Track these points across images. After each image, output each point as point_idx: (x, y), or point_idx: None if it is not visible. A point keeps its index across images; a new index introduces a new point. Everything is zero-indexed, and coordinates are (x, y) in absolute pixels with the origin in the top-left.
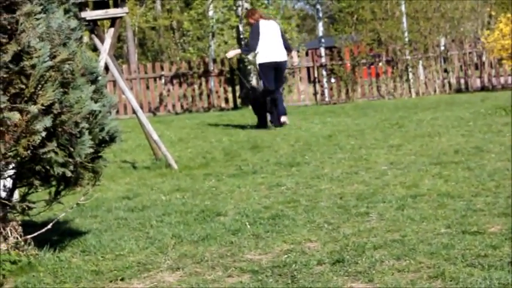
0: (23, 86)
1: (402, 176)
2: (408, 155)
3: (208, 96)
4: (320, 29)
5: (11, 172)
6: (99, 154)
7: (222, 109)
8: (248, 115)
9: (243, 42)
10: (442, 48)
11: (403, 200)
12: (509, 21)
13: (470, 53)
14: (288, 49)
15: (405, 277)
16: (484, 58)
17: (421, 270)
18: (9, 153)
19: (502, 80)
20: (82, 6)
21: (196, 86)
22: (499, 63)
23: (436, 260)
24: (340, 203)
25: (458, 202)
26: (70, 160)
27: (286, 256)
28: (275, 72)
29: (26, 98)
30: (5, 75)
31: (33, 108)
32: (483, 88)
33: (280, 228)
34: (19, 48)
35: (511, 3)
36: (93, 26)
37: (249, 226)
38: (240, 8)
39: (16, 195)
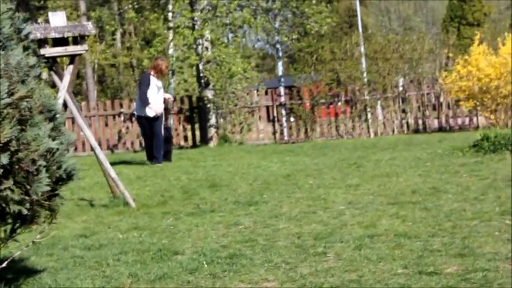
0: None
1: (360, 215)
2: (366, 194)
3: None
4: (280, 68)
5: None
6: (56, 192)
7: (181, 147)
8: (206, 154)
9: (202, 81)
10: (401, 88)
11: (360, 239)
12: (466, 63)
13: (428, 93)
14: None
15: None
16: (441, 99)
17: None
18: None
19: (459, 120)
20: (41, 43)
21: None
22: (456, 105)
23: None
24: (298, 242)
25: (415, 242)
26: (26, 198)
27: None
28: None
29: None
30: None
31: None
32: (441, 129)
33: (238, 268)
34: None
35: (468, 45)
36: (52, 63)
37: (206, 265)
38: (200, 47)
39: None
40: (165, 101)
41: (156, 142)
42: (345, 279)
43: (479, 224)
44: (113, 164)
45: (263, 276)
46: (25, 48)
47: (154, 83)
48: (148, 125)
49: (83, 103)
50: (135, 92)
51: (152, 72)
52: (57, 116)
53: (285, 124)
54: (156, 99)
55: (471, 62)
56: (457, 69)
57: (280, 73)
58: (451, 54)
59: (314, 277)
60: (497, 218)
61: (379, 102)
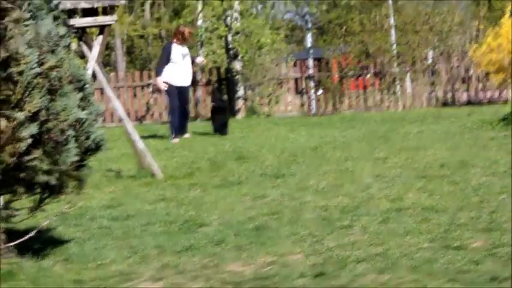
0: (10, 93)
1: (387, 189)
2: (394, 168)
3: (195, 105)
4: (308, 40)
5: None
6: (84, 162)
7: (208, 119)
8: (234, 126)
9: (231, 52)
10: (430, 61)
11: (387, 213)
12: (497, 36)
13: (458, 66)
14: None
15: None
16: (471, 72)
17: (402, 285)
18: None
19: (488, 94)
20: (71, 14)
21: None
22: (486, 78)
23: (418, 274)
24: (324, 215)
25: (442, 216)
26: (55, 168)
27: (268, 268)
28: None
29: (12, 105)
30: None
31: (20, 115)
32: (470, 102)
33: (264, 240)
34: (7, 54)
35: (498, 17)
36: (82, 34)
37: (232, 237)
38: (229, 18)
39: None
40: (197, 64)
41: (171, 114)
42: (371, 252)
43: (507, 198)
44: (140, 135)
45: (289, 249)
46: (55, 18)
47: (178, 51)
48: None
49: (112, 74)
50: None
51: (174, 40)
52: (87, 86)
53: (313, 96)
54: (183, 68)
55: (502, 34)
56: (488, 42)
57: (309, 45)
58: (481, 27)
59: (340, 250)
60: None
61: (408, 74)
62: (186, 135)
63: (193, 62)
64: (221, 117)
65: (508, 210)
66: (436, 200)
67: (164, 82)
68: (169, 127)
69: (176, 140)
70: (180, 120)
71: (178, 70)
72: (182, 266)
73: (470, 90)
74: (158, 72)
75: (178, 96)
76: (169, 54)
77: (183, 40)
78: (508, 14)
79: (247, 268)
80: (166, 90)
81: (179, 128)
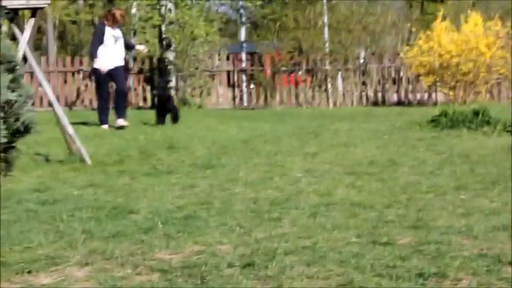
0: None
1: (316, 183)
2: (323, 163)
3: (127, 94)
4: (242, 34)
5: None
6: (13, 144)
7: (139, 107)
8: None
9: (164, 42)
10: (362, 60)
11: (315, 207)
12: (428, 39)
13: (389, 67)
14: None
15: (314, 284)
16: (402, 73)
17: (330, 278)
18: None
19: (418, 96)
20: None
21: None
22: (416, 79)
23: (346, 268)
24: (254, 207)
25: (370, 212)
26: None
27: (196, 257)
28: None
29: None
30: None
31: None
32: (399, 103)
33: (192, 229)
34: None
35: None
36: (14, 16)
37: (160, 225)
38: (163, 8)
39: None
40: (138, 51)
41: (98, 99)
42: (299, 245)
43: (434, 198)
44: (70, 121)
45: (217, 239)
46: None
47: (110, 33)
48: (104, 80)
49: (43, 58)
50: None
51: (106, 23)
52: (17, 68)
53: (245, 90)
54: (114, 51)
55: (433, 37)
56: (419, 44)
57: (242, 39)
58: (413, 29)
59: (268, 242)
60: (452, 192)
61: (339, 73)
62: (123, 123)
63: (132, 47)
64: (168, 105)
65: (435, 209)
66: (365, 197)
67: (94, 68)
68: (97, 113)
69: (106, 127)
70: (117, 102)
71: (110, 53)
72: (110, 252)
73: (400, 91)
74: (93, 54)
75: (113, 78)
76: (102, 35)
77: (114, 22)
78: (439, 18)
79: (175, 256)
80: (95, 75)
81: (118, 112)
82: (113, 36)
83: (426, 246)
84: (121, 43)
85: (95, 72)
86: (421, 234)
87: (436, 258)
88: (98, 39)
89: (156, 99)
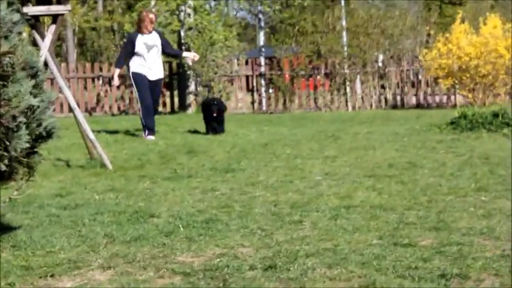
0: None
1: (336, 186)
2: (343, 166)
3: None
4: (261, 38)
5: None
6: (35, 149)
7: (159, 113)
8: (185, 119)
9: (183, 48)
10: (380, 64)
11: (336, 210)
12: (447, 41)
13: (407, 70)
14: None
15: (336, 285)
16: (420, 76)
17: (352, 280)
18: None
19: (437, 98)
20: (24, 1)
21: (134, 89)
22: (435, 82)
23: (368, 270)
24: (274, 210)
25: (390, 215)
26: (5, 154)
27: (218, 260)
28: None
29: None
30: None
31: None
32: (418, 106)
33: (214, 233)
34: None
35: (449, 23)
36: (35, 22)
37: (182, 229)
38: (182, 13)
39: None
40: (186, 59)
41: (142, 109)
42: (320, 247)
43: (454, 199)
44: (90, 127)
45: (238, 242)
46: (9, 4)
47: (142, 41)
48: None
49: (63, 65)
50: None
51: (139, 30)
52: (39, 73)
53: (263, 94)
54: (149, 60)
55: (452, 40)
56: (438, 47)
57: (261, 43)
58: (432, 32)
59: (289, 244)
60: (472, 194)
61: (358, 76)
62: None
63: (176, 55)
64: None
65: (456, 211)
66: (385, 199)
67: (133, 72)
68: (141, 123)
69: (151, 137)
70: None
71: (145, 63)
72: (132, 255)
73: (419, 94)
74: (115, 64)
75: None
76: (131, 44)
77: (144, 28)
78: (458, 21)
79: (196, 259)
80: (135, 82)
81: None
82: (144, 45)
83: (448, 248)
84: (156, 51)
85: (136, 80)
86: (442, 236)
87: (458, 259)
88: (125, 48)
89: (201, 107)
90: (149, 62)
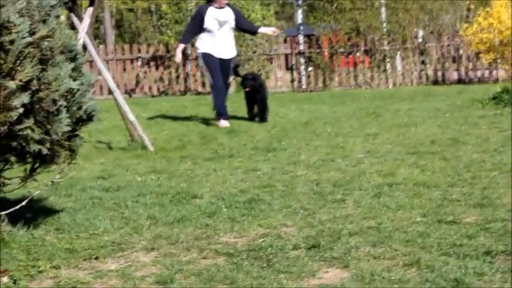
0: (1, 61)
1: (378, 164)
2: (385, 144)
3: (185, 79)
4: (299, 16)
5: None
6: (76, 132)
7: (198, 93)
8: None
9: None
10: (420, 39)
11: (379, 188)
12: (488, 15)
13: (448, 45)
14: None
15: (380, 264)
16: (461, 51)
17: (396, 258)
18: None
19: (478, 73)
20: None
21: (173, 69)
22: (476, 57)
23: (412, 248)
24: (316, 189)
25: (434, 192)
26: (47, 137)
27: (261, 240)
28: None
29: (4, 74)
30: None
31: (11, 84)
32: (460, 81)
33: (256, 213)
34: None
35: None
36: (72, 5)
37: (224, 209)
38: None
39: None
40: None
41: (214, 94)
42: (364, 225)
43: (498, 175)
44: (130, 108)
45: (281, 221)
46: None
47: (213, 15)
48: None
49: (101, 47)
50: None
51: (209, 2)
52: (78, 56)
53: (303, 72)
54: (220, 37)
55: (492, 14)
56: (478, 21)
57: (299, 21)
58: (472, 6)
59: (332, 223)
60: None
61: (398, 52)
62: (225, 123)
63: (254, 32)
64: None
65: (500, 187)
66: (428, 176)
67: (203, 53)
68: (213, 109)
69: (225, 123)
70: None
71: (215, 41)
72: (175, 236)
73: (460, 69)
74: (181, 39)
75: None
76: (201, 19)
77: (222, 1)
78: None
79: (240, 240)
80: (206, 64)
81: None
82: (216, 20)
83: (493, 224)
84: (228, 28)
85: (206, 62)
86: (487, 212)
87: (503, 236)
88: (194, 23)
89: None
90: (220, 40)
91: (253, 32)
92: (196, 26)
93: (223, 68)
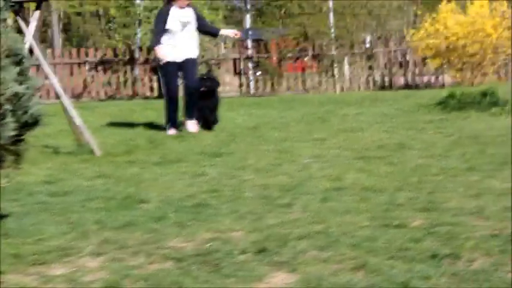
0: None
1: (326, 169)
2: (332, 148)
3: (133, 84)
4: (247, 21)
5: None
6: (22, 137)
7: (146, 97)
8: None
9: None
10: (368, 45)
11: (326, 192)
12: (434, 21)
13: (395, 51)
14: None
15: (328, 268)
16: (408, 57)
17: (343, 262)
18: None
19: (425, 78)
20: None
21: (121, 74)
22: (423, 62)
23: (359, 251)
24: (264, 193)
25: (381, 196)
26: None
27: (209, 244)
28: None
29: None
30: None
31: None
32: (407, 86)
33: (204, 217)
34: None
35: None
36: (19, 8)
37: (172, 214)
38: None
39: None
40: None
41: (166, 99)
42: (311, 230)
43: (444, 180)
44: (78, 112)
45: (229, 226)
46: None
47: (176, 16)
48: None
49: (48, 51)
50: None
51: (173, 2)
52: (24, 60)
53: (251, 77)
54: (183, 38)
55: (439, 20)
56: (425, 27)
57: (247, 26)
58: (419, 12)
59: (280, 228)
60: (462, 174)
61: (346, 58)
62: (194, 127)
63: (215, 34)
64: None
65: (446, 191)
66: (375, 180)
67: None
68: (164, 115)
69: (172, 132)
70: (188, 102)
71: (177, 42)
72: (122, 241)
73: (407, 75)
74: (154, 43)
75: (182, 72)
76: (165, 21)
77: (184, 1)
78: (445, 1)
79: (188, 244)
80: (162, 71)
81: (188, 113)
82: (178, 21)
83: (439, 228)
84: (191, 29)
85: (159, 64)
86: (433, 216)
87: (449, 239)
88: (161, 23)
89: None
90: (181, 41)
91: (215, 34)
92: (164, 26)
93: (188, 68)
